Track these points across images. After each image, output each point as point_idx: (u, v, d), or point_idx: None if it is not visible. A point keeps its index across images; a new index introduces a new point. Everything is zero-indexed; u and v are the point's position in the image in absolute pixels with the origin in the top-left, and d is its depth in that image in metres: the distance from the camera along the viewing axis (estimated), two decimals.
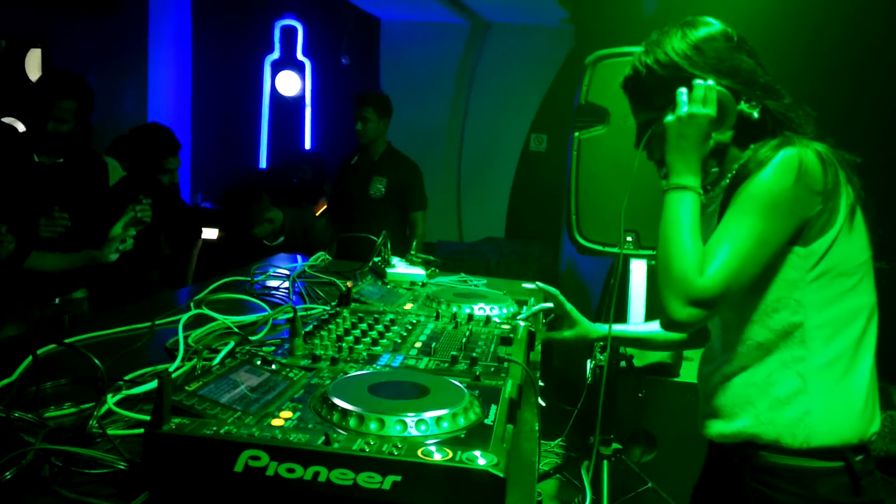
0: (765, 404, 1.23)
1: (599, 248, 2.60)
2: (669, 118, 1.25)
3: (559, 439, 3.65)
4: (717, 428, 1.31)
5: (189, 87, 5.64)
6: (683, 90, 1.25)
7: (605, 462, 2.84)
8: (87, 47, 4.60)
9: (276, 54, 5.48)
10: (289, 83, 5.43)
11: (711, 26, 1.29)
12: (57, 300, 2.96)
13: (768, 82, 1.27)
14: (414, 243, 2.43)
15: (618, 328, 1.61)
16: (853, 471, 1.21)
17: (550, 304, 1.59)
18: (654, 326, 1.58)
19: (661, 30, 1.32)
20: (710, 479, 1.45)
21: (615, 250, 2.55)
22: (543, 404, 1.54)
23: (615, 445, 2.90)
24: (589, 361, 3.19)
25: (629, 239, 2.52)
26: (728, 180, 1.28)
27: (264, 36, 5.45)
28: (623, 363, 3.05)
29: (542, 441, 3.91)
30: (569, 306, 1.59)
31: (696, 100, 1.23)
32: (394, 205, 3.93)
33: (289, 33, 5.48)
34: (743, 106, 1.25)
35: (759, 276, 1.20)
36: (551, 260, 4.93)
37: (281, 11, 5.45)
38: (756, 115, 1.24)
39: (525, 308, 1.65)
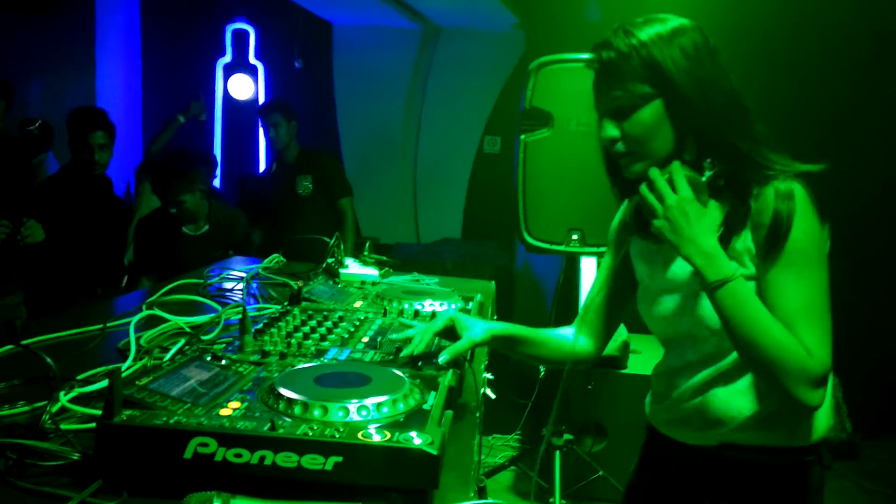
0: (749, 409, 1.24)
1: (547, 246, 2.70)
2: (658, 221, 1.17)
3: (515, 432, 3.75)
4: (697, 435, 1.31)
5: (139, 89, 5.57)
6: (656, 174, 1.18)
7: (557, 452, 2.94)
8: (32, 48, 4.52)
9: (227, 58, 5.46)
10: (241, 87, 5.41)
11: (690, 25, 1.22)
12: None
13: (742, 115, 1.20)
14: (367, 244, 2.47)
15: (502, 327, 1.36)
16: (822, 461, 1.27)
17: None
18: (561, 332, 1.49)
19: (637, 19, 1.22)
20: (656, 477, 1.45)
21: (561, 248, 2.65)
22: (493, 396, 1.61)
23: (567, 436, 3.00)
24: None
25: (574, 237, 2.63)
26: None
27: (216, 39, 5.42)
28: None
29: (499, 435, 3.96)
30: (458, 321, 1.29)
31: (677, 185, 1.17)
32: (323, 198, 4.14)
33: (240, 37, 5.46)
34: (706, 175, 1.19)
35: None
36: (507, 260, 5.03)
37: (232, 15, 5.43)
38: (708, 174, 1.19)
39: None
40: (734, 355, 1.22)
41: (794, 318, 1.14)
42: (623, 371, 3.23)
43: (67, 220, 3.18)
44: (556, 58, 2.56)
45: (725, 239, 1.19)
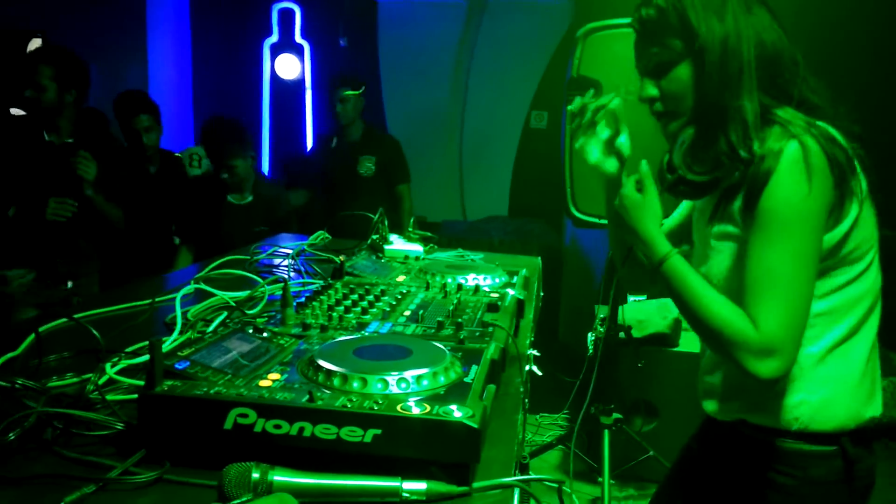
0: (758, 389, 1.21)
1: (595, 220, 2.63)
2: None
3: (563, 411, 3.71)
4: (712, 406, 1.33)
5: (189, 72, 5.66)
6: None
7: (606, 432, 2.89)
8: (87, 34, 4.63)
9: (274, 37, 5.49)
10: (288, 66, 5.43)
11: None
12: (69, 284, 3.04)
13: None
14: (411, 220, 2.46)
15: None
16: (847, 455, 1.21)
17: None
18: None
19: None
20: (703, 445, 1.46)
21: (605, 222, 2.58)
22: (540, 373, 1.58)
23: (616, 415, 2.95)
24: (590, 334, 3.23)
25: None
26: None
27: (262, 19, 5.45)
28: (622, 334, 3.09)
29: (546, 414, 3.92)
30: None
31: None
32: (383, 181, 4.06)
33: (286, 16, 5.48)
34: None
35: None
36: (555, 237, 4.95)
37: None
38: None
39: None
40: None
41: (750, 285, 1.12)
42: (674, 349, 3.15)
43: (131, 201, 3.26)
44: (604, 24, 2.47)
45: (727, 200, 1.19)
